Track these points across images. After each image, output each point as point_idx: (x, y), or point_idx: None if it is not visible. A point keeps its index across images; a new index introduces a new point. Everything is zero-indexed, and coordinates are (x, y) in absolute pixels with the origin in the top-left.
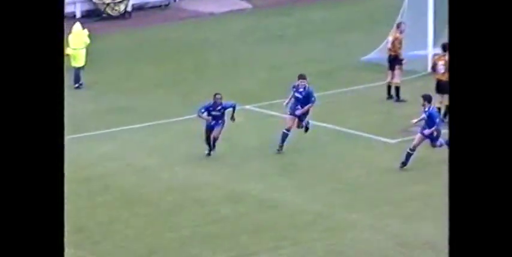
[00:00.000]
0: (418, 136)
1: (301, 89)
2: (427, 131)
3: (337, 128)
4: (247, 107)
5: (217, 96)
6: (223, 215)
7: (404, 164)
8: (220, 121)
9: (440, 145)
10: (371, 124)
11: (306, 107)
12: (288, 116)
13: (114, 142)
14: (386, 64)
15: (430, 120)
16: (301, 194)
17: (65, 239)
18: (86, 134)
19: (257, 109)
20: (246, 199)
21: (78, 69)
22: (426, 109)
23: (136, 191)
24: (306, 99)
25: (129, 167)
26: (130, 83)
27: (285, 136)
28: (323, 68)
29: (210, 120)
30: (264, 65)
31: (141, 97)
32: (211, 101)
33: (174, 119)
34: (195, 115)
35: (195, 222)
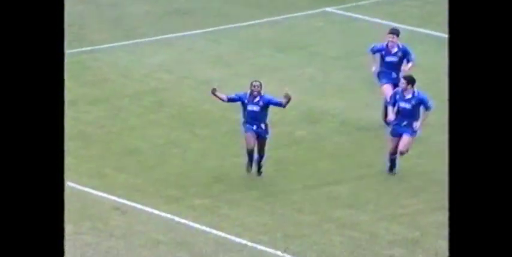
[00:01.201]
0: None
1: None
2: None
3: None
4: (328, 9)
5: (254, 83)
6: (298, 138)
7: None
8: (263, 127)
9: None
10: None
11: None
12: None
13: (171, 51)
14: None
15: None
16: None
17: (115, 163)
18: (137, 40)
19: (340, 12)
20: (325, 119)
21: None
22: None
23: (196, 109)
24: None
25: (187, 80)
26: None
27: None
28: None
29: (225, 99)
30: None
31: None
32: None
33: (240, 24)
34: (266, 19)
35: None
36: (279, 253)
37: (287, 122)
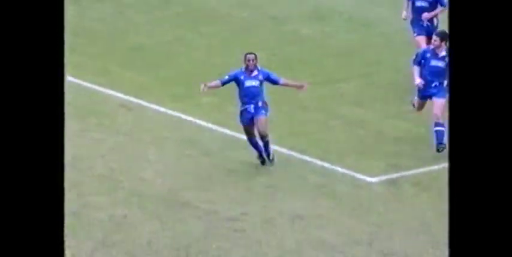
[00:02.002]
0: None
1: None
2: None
3: None
4: None
5: (248, 56)
6: (304, 36)
7: None
8: (261, 105)
9: None
10: None
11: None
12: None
13: None
14: None
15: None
16: (398, 9)
17: (121, 60)
18: None
19: None
20: (332, 16)
21: None
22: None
23: (202, 6)
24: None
25: None
26: None
27: None
28: None
29: (219, 84)
30: None
31: None
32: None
33: None
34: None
35: (271, 43)
36: (284, 150)
37: (293, 20)
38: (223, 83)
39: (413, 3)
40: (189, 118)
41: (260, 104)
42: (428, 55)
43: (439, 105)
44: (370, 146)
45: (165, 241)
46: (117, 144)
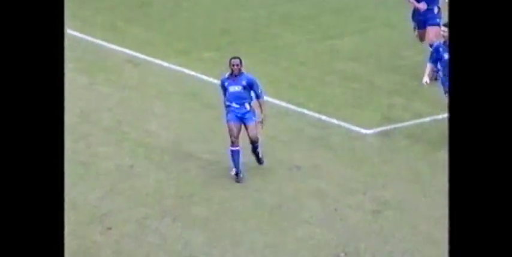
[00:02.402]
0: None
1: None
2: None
3: None
4: None
5: (233, 61)
6: None
7: None
8: (249, 108)
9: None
10: None
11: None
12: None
13: None
14: None
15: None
16: None
17: (127, 16)
18: None
19: None
20: None
21: None
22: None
23: None
24: None
25: None
26: None
27: None
28: None
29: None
30: None
31: None
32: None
33: None
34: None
35: (271, 0)
36: (283, 103)
37: None
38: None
39: None
40: (192, 73)
41: (248, 107)
42: (441, 49)
43: None
44: (365, 99)
45: (170, 190)
46: (123, 98)
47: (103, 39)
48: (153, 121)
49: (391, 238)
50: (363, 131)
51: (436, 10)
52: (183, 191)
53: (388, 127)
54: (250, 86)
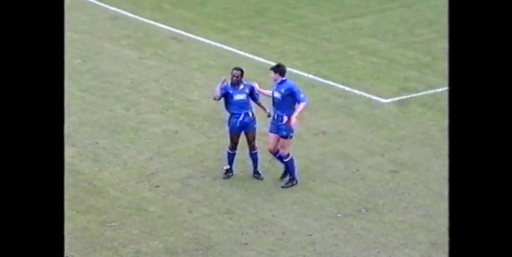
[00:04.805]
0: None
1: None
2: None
3: None
4: None
5: (234, 72)
6: None
7: None
8: (251, 116)
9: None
10: None
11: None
12: None
13: None
14: None
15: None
16: None
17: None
18: None
19: None
20: None
21: None
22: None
23: None
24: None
25: None
26: None
27: None
28: None
29: (218, 96)
30: None
31: None
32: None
33: None
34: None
35: None
36: (311, 76)
37: None
38: (221, 96)
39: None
40: (230, 48)
41: (250, 115)
42: None
43: None
44: (383, 72)
45: (210, 153)
46: (169, 70)
47: (151, 19)
48: (194, 91)
49: (407, 195)
50: (382, 100)
51: None
52: (222, 154)
53: (404, 97)
54: (250, 92)
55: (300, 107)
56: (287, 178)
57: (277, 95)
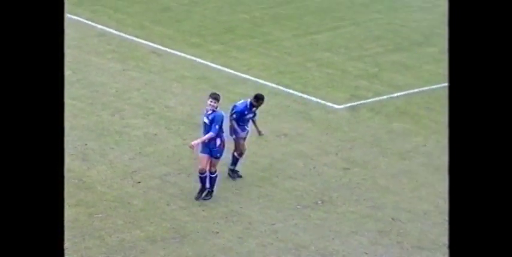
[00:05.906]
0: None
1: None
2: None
3: None
4: None
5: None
6: None
7: None
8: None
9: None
10: None
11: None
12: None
13: None
14: None
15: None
16: None
17: (152, 18)
18: None
19: None
20: None
21: None
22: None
23: None
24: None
25: None
26: None
27: None
28: None
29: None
30: None
31: None
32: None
33: None
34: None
35: (265, 4)
36: (274, 85)
37: None
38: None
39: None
40: (203, 61)
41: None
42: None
43: None
44: (337, 81)
45: (185, 153)
46: (149, 80)
47: (133, 35)
48: (172, 99)
49: (357, 189)
50: (336, 106)
51: None
52: (195, 154)
53: (355, 103)
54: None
55: (207, 136)
56: (206, 191)
57: (206, 120)
